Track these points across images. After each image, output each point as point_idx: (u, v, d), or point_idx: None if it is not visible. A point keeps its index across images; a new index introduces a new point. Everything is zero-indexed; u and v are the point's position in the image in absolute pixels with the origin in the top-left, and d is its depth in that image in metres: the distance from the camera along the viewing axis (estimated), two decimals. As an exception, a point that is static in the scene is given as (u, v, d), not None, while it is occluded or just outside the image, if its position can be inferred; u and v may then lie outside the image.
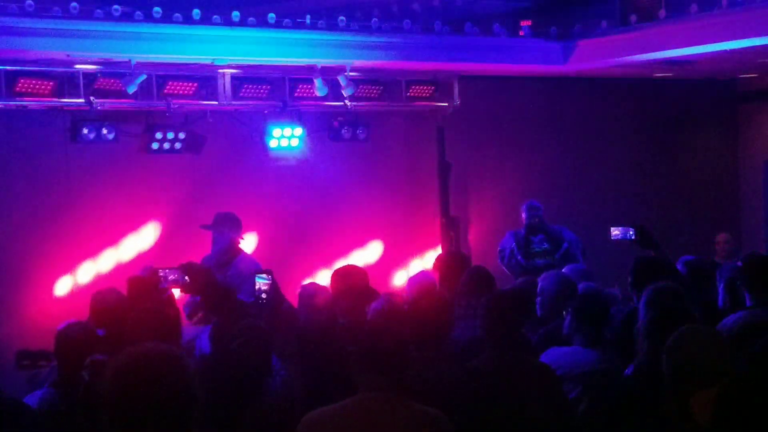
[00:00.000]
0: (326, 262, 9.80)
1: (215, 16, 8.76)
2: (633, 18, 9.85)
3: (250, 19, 8.90)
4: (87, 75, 8.72)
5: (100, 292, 6.46)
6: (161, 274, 6.41)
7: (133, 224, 9.19)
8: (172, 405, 2.86)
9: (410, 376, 4.07)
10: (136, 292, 6.23)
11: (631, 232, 7.65)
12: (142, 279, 6.46)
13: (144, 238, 9.09)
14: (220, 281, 6.82)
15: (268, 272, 6.10)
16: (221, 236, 8.17)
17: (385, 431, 3.81)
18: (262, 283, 6.03)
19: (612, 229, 7.85)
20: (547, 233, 9.50)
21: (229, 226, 8.21)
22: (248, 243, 9.02)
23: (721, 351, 4.05)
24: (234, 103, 9.52)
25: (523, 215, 9.57)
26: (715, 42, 9.26)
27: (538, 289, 6.78)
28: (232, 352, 5.16)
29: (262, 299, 6.02)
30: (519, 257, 9.33)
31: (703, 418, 3.78)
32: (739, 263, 6.46)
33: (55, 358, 5.32)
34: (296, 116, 9.89)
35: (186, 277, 6.37)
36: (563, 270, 7.43)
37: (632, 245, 7.73)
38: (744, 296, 6.05)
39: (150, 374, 2.86)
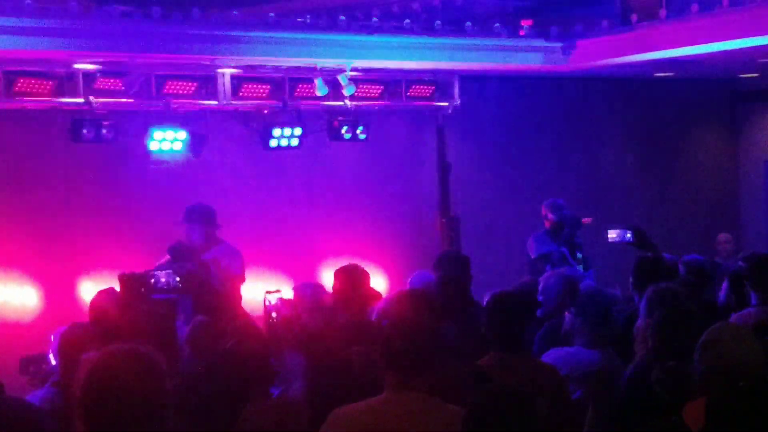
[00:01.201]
0: (326, 262, 9.77)
1: (215, 16, 8.74)
2: (634, 17, 9.85)
3: (250, 18, 8.89)
4: (86, 75, 8.69)
5: (99, 293, 6.46)
6: (152, 275, 6.37)
7: (133, 224, 9.16)
8: (143, 402, 2.95)
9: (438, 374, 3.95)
10: (128, 291, 6.21)
11: (628, 234, 7.63)
12: (134, 276, 6.43)
13: (144, 237, 9.05)
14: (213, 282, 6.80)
15: (277, 290, 6.07)
16: (193, 230, 8.11)
17: (416, 430, 3.70)
18: (272, 301, 5.98)
19: (609, 231, 7.82)
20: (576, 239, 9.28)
21: (198, 219, 8.15)
22: (248, 243, 8.98)
23: (755, 347, 4.01)
24: (234, 102, 9.49)
25: (550, 215, 9.17)
26: (715, 42, 9.26)
27: (540, 289, 6.76)
28: (225, 353, 5.07)
29: (273, 318, 5.98)
30: (572, 261, 8.90)
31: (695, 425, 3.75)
32: (740, 263, 6.44)
33: (56, 358, 5.32)
34: (296, 116, 9.87)
35: (177, 279, 6.34)
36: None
37: (629, 247, 7.71)
38: (747, 295, 6.05)
39: (120, 373, 2.96)
